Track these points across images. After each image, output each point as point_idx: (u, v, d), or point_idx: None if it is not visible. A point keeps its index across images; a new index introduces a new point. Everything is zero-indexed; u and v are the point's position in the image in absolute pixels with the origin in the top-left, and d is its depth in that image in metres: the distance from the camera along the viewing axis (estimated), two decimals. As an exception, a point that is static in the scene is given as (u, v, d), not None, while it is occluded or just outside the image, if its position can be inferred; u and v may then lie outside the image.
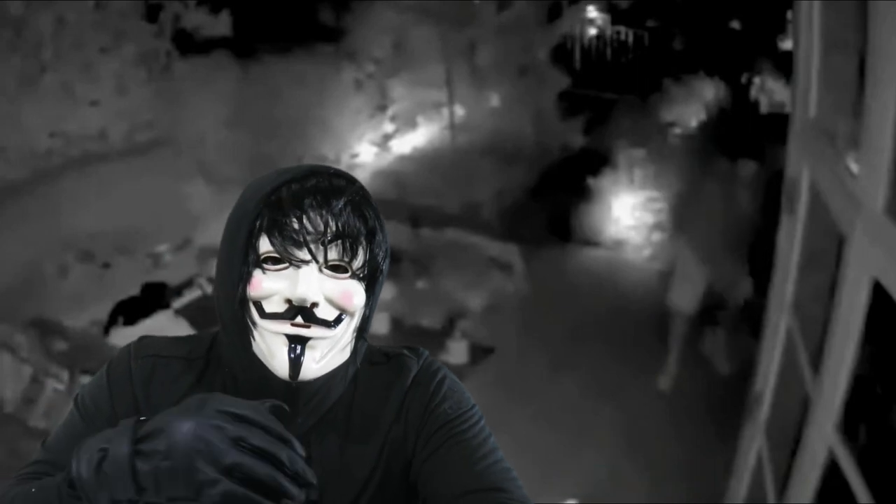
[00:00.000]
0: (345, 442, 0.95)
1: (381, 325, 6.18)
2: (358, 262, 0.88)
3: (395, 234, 7.65)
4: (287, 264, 0.86)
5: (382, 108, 9.36)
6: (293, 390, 0.89)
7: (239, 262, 0.87)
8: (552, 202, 7.94)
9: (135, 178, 7.44)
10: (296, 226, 0.84)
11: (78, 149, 7.79)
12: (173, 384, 0.95)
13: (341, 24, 8.89)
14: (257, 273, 0.86)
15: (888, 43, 1.84)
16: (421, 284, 6.93)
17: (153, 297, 6.77)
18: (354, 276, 0.88)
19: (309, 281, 0.84)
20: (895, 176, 1.82)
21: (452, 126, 9.36)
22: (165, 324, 6.26)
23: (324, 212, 0.85)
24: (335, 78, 8.75)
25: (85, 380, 4.91)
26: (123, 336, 6.04)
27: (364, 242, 0.88)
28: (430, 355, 1.04)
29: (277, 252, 0.85)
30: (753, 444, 3.33)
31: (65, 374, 5.14)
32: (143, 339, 1.01)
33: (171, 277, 7.17)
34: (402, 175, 8.70)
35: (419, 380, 0.98)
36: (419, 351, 1.03)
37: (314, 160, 8.37)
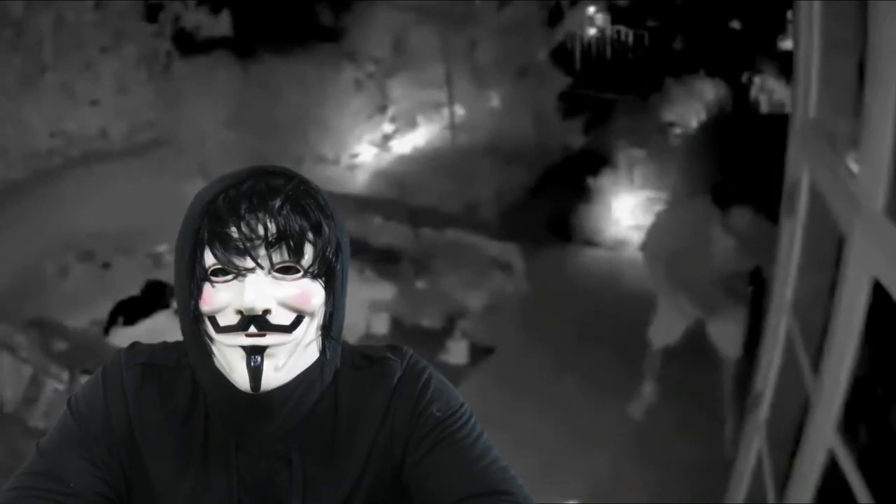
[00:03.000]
0: (330, 449, 0.94)
1: (381, 325, 6.18)
2: (307, 259, 0.85)
3: (395, 234, 7.68)
4: (234, 275, 0.83)
5: (382, 108, 9.36)
6: (262, 399, 0.86)
7: (188, 277, 0.85)
8: (552, 202, 7.94)
9: (135, 178, 7.43)
10: (235, 234, 0.82)
11: (78, 149, 7.80)
12: (163, 395, 0.93)
13: (341, 24, 8.89)
14: (207, 287, 0.84)
15: (888, 43, 1.84)
16: (421, 284, 6.92)
17: (153, 297, 6.77)
18: (307, 274, 0.85)
19: (256, 288, 0.82)
20: (895, 176, 1.82)
21: (452, 126, 9.36)
22: (165, 323, 6.26)
23: (261, 214, 0.82)
24: (335, 78, 8.75)
25: (85, 380, 4.92)
26: (123, 336, 6.04)
27: (311, 238, 0.85)
28: (414, 354, 1.00)
29: (221, 263, 0.82)
30: (753, 444, 3.33)
31: (65, 374, 5.14)
32: (134, 345, 0.99)
33: (171, 277, 7.16)
34: (402, 175, 8.69)
35: (404, 382, 0.95)
36: (403, 351, 0.99)
37: (314, 160, 8.38)
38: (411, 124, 9.51)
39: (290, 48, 8.26)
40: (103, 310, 6.52)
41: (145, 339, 1.07)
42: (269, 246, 0.83)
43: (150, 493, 0.92)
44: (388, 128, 9.42)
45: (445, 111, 9.42)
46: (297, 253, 0.85)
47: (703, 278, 4.73)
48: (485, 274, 6.97)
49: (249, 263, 0.83)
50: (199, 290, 0.86)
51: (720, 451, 4.35)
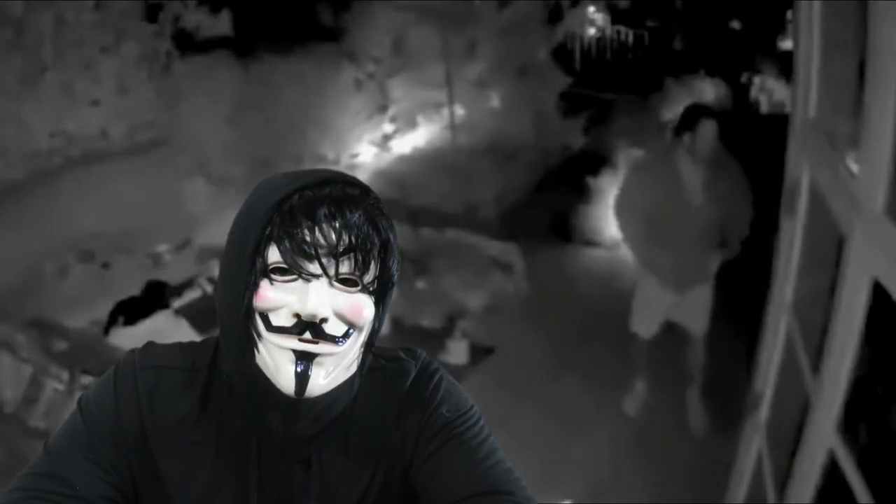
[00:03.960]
0: (345, 450, 0.94)
1: (381, 325, 6.17)
2: (369, 275, 0.86)
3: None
4: (296, 276, 0.83)
5: (382, 108, 9.35)
6: (296, 404, 0.87)
7: (245, 270, 0.84)
8: (553, 202, 7.94)
9: (135, 178, 7.44)
10: (308, 237, 0.82)
11: (78, 148, 7.79)
12: (177, 398, 0.94)
13: (341, 23, 8.89)
14: (264, 283, 0.84)
15: (888, 43, 1.84)
16: (421, 284, 6.92)
17: (153, 297, 6.76)
18: (364, 289, 0.86)
19: (319, 296, 0.82)
20: (895, 176, 1.82)
21: (453, 126, 9.36)
22: (166, 324, 6.25)
23: (337, 223, 0.82)
24: (335, 78, 8.74)
25: (85, 380, 4.91)
26: (123, 336, 6.04)
27: (376, 255, 0.86)
28: (426, 357, 1.02)
29: (287, 264, 0.83)
30: (753, 444, 3.33)
31: (65, 374, 5.13)
32: (148, 346, 0.99)
33: (171, 277, 7.16)
34: (402, 175, 8.69)
35: (416, 384, 0.97)
36: (416, 353, 1.02)
37: (314, 160, 8.38)
38: (411, 124, 9.51)
39: (289, 48, 8.26)
40: (103, 310, 6.51)
41: (145, 340, 1.07)
42: (339, 255, 0.83)
43: (161, 496, 0.93)
44: (388, 128, 9.42)
45: (445, 111, 9.41)
46: (364, 267, 0.88)
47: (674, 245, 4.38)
48: (485, 274, 6.96)
49: (316, 269, 0.85)
50: (256, 285, 0.87)
51: (720, 451, 4.34)
